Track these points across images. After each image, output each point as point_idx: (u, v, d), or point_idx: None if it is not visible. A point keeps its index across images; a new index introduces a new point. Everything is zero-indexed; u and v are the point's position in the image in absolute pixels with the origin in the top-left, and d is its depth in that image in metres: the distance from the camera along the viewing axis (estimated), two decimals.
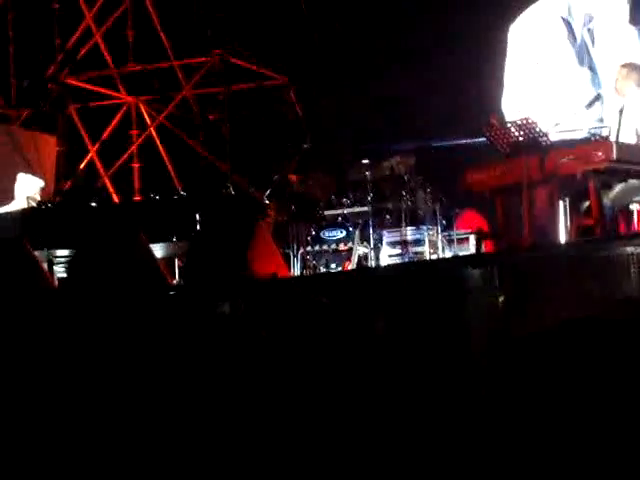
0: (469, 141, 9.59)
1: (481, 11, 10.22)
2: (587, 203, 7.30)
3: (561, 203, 7.36)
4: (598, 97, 8.51)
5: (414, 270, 7.02)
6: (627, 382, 5.30)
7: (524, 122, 7.40)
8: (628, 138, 7.42)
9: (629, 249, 6.06)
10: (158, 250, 8.12)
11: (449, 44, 10.38)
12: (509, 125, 7.49)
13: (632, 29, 9.49)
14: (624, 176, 7.29)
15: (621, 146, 7.21)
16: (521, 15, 10.06)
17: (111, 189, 11.82)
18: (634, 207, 7.42)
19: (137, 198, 11.21)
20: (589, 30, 9.79)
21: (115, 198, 11.55)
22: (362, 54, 10.87)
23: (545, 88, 9.78)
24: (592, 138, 8.03)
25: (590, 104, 8.24)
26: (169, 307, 6.59)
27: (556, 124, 8.07)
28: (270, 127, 11.30)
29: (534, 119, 7.40)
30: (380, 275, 7.23)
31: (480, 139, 8.12)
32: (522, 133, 7.40)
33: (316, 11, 11.07)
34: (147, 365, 6.33)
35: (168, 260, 8.65)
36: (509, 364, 5.62)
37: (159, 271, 7.22)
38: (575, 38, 9.83)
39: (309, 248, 9.12)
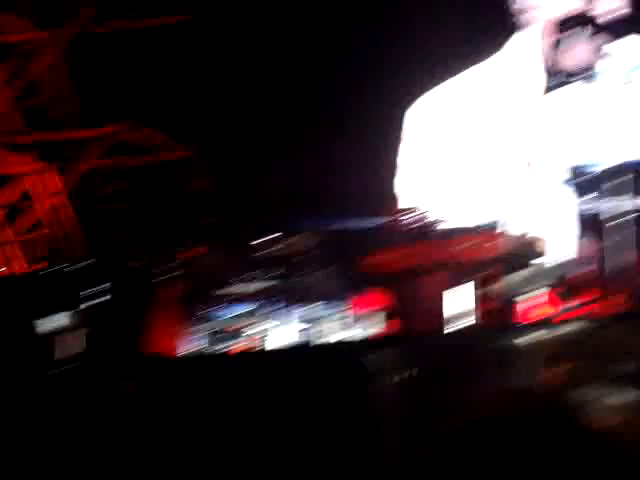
0: (374, 222, 9.66)
1: (377, 92, 10.37)
2: (489, 289, 7.41)
3: (462, 289, 7.46)
4: (498, 184, 8.66)
5: (315, 353, 7.05)
6: None
7: (428, 206, 7.53)
8: (531, 226, 7.56)
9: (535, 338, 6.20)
10: (55, 321, 7.99)
11: (353, 123, 10.52)
12: (411, 210, 7.60)
13: (539, 116, 9.75)
14: (526, 263, 7.44)
15: (523, 233, 7.36)
16: (419, 99, 10.24)
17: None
18: (536, 293, 7.55)
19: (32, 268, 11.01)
20: (489, 116, 10.02)
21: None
22: (271, 130, 10.95)
23: (444, 173, 9.96)
24: (492, 226, 8.18)
25: (491, 190, 8.37)
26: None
27: (452, 211, 8.18)
28: (177, 199, 11.28)
29: (438, 203, 7.54)
30: (282, 357, 7.23)
31: (385, 220, 8.19)
32: (426, 217, 7.53)
33: (227, 87, 11.12)
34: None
35: (68, 330, 8.51)
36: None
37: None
38: (474, 124, 10.03)
39: (211, 324, 9.06)
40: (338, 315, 9.01)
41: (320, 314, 9.04)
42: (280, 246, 9.23)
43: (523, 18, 9.91)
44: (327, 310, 9.04)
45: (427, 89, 10.23)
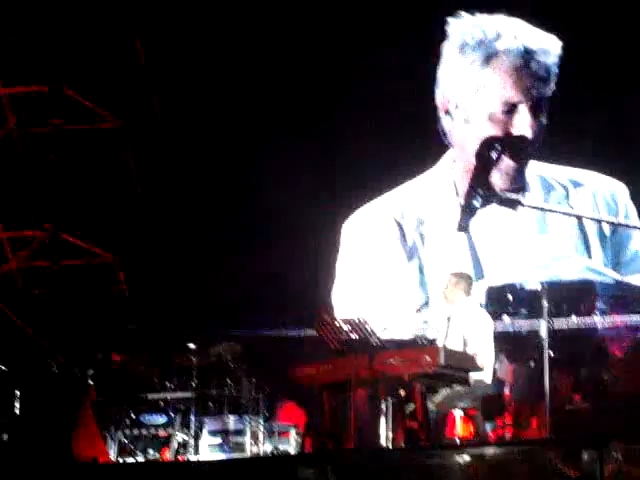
0: (297, 332, 9.70)
1: (313, 205, 10.52)
2: (413, 406, 7.43)
3: (386, 404, 7.46)
4: (427, 302, 8.79)
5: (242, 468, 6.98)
6: None
7: (355, 320, 7.54)
8: (455, 344, 7.65)
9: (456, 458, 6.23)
10: None
11: (281, 235, 10.61)
12: (341, 322, 7.61)
13: (462, 236, 9.95)
14: (450, 381, 7.51)
15: (448, 352, 7.42)
16: (355, 213, 10.41)
17: None
18: (457, 412, 7.59)
19: None
20: (420, 234, 10.21)
21: None
22: (192, 241, 10.97)
23: (376, 287, 10.09)
24: (420, 342, 8.27)
25: (420, 308, 8.50)
26: None
27: (385, 328, 8.27)
28: (96, 304, 11.13)
29: (365, 318, 7.55)
30: (198, 469, 7.12)
31: (309, 331, 8.22)
32: (353, 331, 7.53)
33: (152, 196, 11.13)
34: None
35: None
36: None
37: None
38: (406, 240, 10.22)
39: (128, 431, 8.89)
40: (256, 427, 8.94)
41: (238, 426, 8.97)
42: (201, 355, 9.16)
43: (448, 140, 10.21)
44: (245, 422, 8.97)
45: (362, 203, 10.42)
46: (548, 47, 9.83)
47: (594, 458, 5.88)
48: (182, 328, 10.11)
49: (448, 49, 10.05)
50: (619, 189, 10.03)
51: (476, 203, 9.36)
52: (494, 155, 9.79)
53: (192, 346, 9.21)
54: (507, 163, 9.82)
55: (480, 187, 9.34)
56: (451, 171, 10.21)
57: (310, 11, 10.89)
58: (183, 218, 11.02)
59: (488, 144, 9.77)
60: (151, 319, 10.67)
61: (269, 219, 10.65)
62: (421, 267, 10.05)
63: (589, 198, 9.99)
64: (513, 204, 9.25)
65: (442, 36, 10.13)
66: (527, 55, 9.81)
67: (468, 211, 9.51)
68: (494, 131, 9.87)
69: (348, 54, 10.75)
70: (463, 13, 9.97)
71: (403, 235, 10.19)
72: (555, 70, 9.85)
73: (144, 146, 11.16)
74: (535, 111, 9.81)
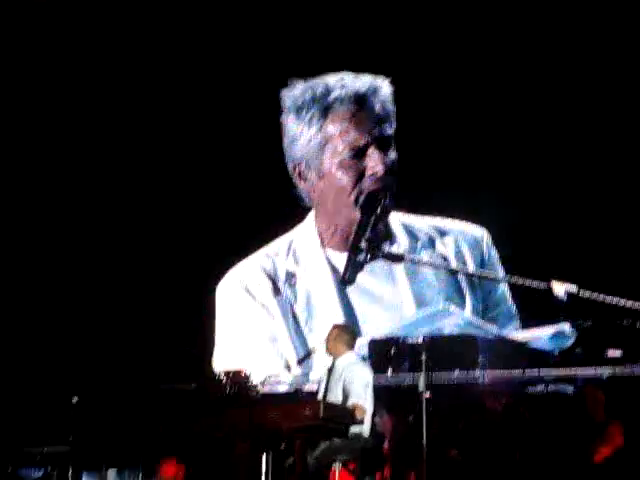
0: (179, 387, 9.64)
1: (183, 273, 10.59)
2: (292, 459, 7.45)
3: (266, 458, 7.47)
4: (309, 352, 8.81)
5: None
6: None
7: (236, 373, 7.57)
8: (335, 397, 7.68)
9: None
10: None
11: (154, 303, 10.67)
12: (221, 375, 7.62)
13: (333, 290, 10.07)
14: (329, 435, 7.54)
15: (328, 405, 7.46)
16: (228, 273, 10.46)
17: None
18: (337, 465, 7.62)
19: None
20: (292, 287, 10.28)
21: None
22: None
23: (254, 343, 10.11)
24: (300, 395, 8.29)
25: (301, 359, 8.53)
26: None
27: (266, 378, 8.28)
28: None
29: (245, 371, 7.58)
30: None
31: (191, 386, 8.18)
32: (233, 384, 7.55)
33: None
34: None
35: None
36: None
37: None
38: (280, 294, 10.28)
39: None
40: None
41: None
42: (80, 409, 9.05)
43: (309, 202, 10.37)
44: (124, 477, 8.86)
45: (234, 263, 10.49)
46: (377, 86, 10.09)
47: None
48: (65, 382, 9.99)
49: (285, 118, 10.25)
50: (481, 235, 10.28)
51: (361, 257, 9.56)
52: (378, 209, 9.98)
53: (74, 400, 9.11)
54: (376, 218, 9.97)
55: (364, 242, 9.55)
56: (316, 226, 10.36)
57: None
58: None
59: (372, 198, 9.94)
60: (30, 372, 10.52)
61: (142, 290, 10.73)
62: (297, 320, 10.12)
63: (453, 246, 10.22)
64: (396, 259, 9.51)
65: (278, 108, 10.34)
66: (359, 98, 10.03)
67: (353, 265, 9.70)
68: (348, 178, 10.03)
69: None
70: (294, 81, 10.20)
71: (276, 289, 10.26)
72: (391, 108, 10.10)
73: None
74: (382, 148, 10.01)
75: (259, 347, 10.04)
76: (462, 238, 10.32)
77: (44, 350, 10.66)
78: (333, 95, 10.12)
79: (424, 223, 10.41)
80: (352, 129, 10.05)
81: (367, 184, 10.00)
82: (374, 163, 9.98)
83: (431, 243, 10.31)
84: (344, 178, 10.06)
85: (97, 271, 10.90)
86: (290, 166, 10.35)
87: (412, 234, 10.31)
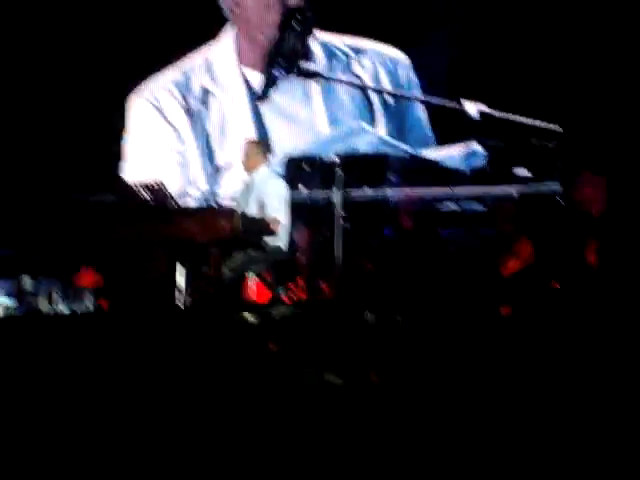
0: (95, 198, 9.66)
1: (96, 82, 10.41)
2: (208, 270, 7.57)
3: (181, 267, 7.58)
4: (218, 169, 8.86)
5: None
6: None
7: (153, 184, 7.58)
8: (252, 210, 7.78)
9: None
10: None
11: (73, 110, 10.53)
12: (138, 185, 7.63)
13: (247, 106, 10.07)
14: (245, 246, 7.67)
15: (245, 217, 7.56)
16: (140, 86, 10.34)
17: None
18: (252, 277, 7.78)
19: None
20: (205, 104, 10.26)
21: None
22: None
23: (168, 158, 10.12)
24: (217, 207, 8.38)
25: (210, 176, 8.57)
26: None
27: (180, 195, 8.33)
28: None
29: (163, 182, 7.59)
30: None
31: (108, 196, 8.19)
32: (150, 194, 7.57)
33: None
34: None
35: None
36: None
37: None
38: (192, 109, 10.26)
39: None
40: (50, 290, 8.92)
41: (32, 288, 8.93)
42: None
43: (231, 15, 10.24)
44: (38, 285, 8.93)
45: (144, 77, 10.37)
46: None
47: (377, 320, 6.26)
48: None
49: None
50: (401, 59, 10.30)
51: (276, 73, 9.55)
52: (296, 25, 9.92)
53: None
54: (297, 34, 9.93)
55: (282, 58, 9.53)
56: (234, 42, 10.25)
57: None
58: None
59: (291, 14, 9.87)
60: None
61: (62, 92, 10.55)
62: (208, 138, 10.13)
63: (370, 67, 10.24)
64: (311, 75, 9.52)
65: None
66: None
67: (269, 81, 9.70)
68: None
69: None
70: None
71: (188, 105, 10.24)
72: None
73: None
74: None
75: (166, 163, 10.05)
76: (380, 60, 10.33)
77: None
78: None
79: (342, 42, 10.38)
80: None
81: (292, 1, 9.93)
82: None
83: (348, 63, 10.31)
84: None
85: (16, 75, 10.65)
86: None
87: (330, 52, 10.29)
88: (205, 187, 9.75)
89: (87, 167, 10.11)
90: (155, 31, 10.34)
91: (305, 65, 9.65)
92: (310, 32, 10.03)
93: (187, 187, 9.61)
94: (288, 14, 9.82)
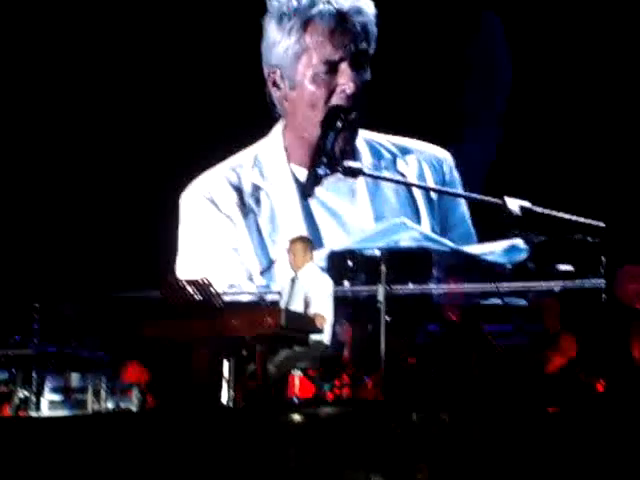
0: (142, 294, 9.78)
1: (147, 178, 10.64)
2: (253, 366, 7.61)
3: (227, 364, 7.63)
4: (271, 264, 8.97)
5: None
6: None
7: (199, 282, 7.66)
8: (297, 306, 7.86)
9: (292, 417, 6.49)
10: None
11: (124, 206, 10.75)
12: (185, 283, 7.72)
13: (297, 203, 10.23)
14: (290, 343, 7.72)
15: (289, 314, 7.62)
16: (193, 182, 10.58)
17: None
18: (297, 373, 7.81)
19: None
20: (257, 200, 10.45)
21: None
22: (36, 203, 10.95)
23: (218, 253, 10.28)
24: (262, 304, 8.46)
25: (264, 270, 8.68)
26: None
27: (230, 286, 8.41)
28: None
29: (209, 280, 7.68)
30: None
31: (153, 293, 8.30)
32: (196, 292, 7.66)
33: None
34: None
35: None
36: None
37: None
38: (244, 205, 10.45)
39: None
40: (98, 385, 8.99)
41: (80, 384, 9.00)
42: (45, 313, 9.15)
43: (278, 111, 10.46)
44: (85, 380, 9.00)
45: (198, 173, 10.63)
46: (361, 6, 10.31)
47: (423, 420, 6.22)
48: (27, 287, 10.07)
49: (268, 22, 10.46)
50: (445, 158, 10.44)
51: (321, 171, 9.71)
52: (339, 124, 10.09)
53: (36, 305, 9.21)
54: (344, 133, 10.13)
55: (326, 156, 9.69)
56: (283, 140, 10.49)
57: None
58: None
59: (333, 113, 10.06)
60: None
61: (109, 191, 10.79)
62: (261, 232, 10.30)
63: (415, 165, 10.38)
64: (355, 173, 9.65)
65: (263, 11, 10.52)
66: (340, 16, 10.28)
67: (313, 179, 9.85)
68: (319, 92, 10.24)
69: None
70: None
71: (241, 201, 10.45)
72: (372, 29, 10.32)
73: None
74: (355, 66, 10.25)
75: (222, 257, 10.23)
76: (424, 158, 10.49)
77: (8, 256, 10.69)
78: (316, 9, 10.25)
79: (387, 141, 10.57)
80: (328, 44, 10.24)
81: (336, 100, 10.16)
82: (345, 80, 10.16)
83: (393, 161, 10.47)
84: (316, 92, 10.23)
85: (64, 182, 10.89)
86: (265, 71, 10.53)
87: (376, 150, 10.47)
88: (260, 282, 9.87)
89: (133, 264, 10.28)
90: (206, 129, 10.59)
91: (349, 164, 9.78)
92: (354, 131, 10.21)
93: (239, 280, 9.70)
94: (332, 114, 10.01)
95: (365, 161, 10.34)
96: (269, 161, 10.51)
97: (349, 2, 10.26)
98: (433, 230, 10.20)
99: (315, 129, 10.15)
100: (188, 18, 10.79)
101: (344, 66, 10.16)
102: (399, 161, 10.43)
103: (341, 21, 10.21)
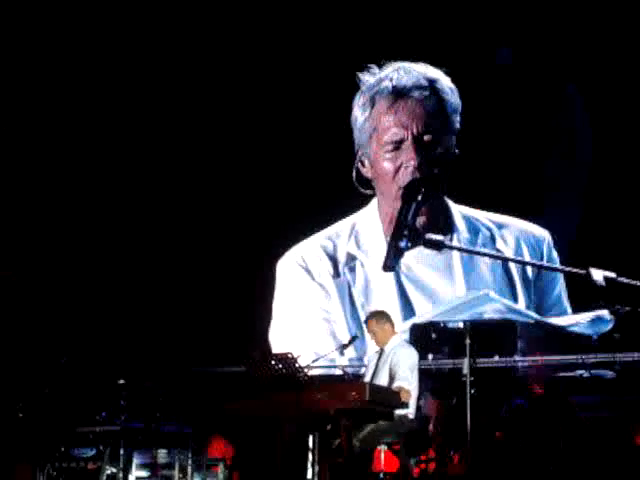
0: (229, 369, 9.86)
1: (245, 246, 10.78)
2: (338, 441, 7.58)
3: (312, 439, 7.61)
4: (356, 337, 8.97)
5: None
6: None
7: (285, 356, 7.68)
8: (382, 380, 7.85)
9: None
10: None
11: (217, 276, 10.87)
12: (270, 358, 7.75)
13: (391, 275, 10.26)
14: (375, 417, 7.68)
15: (374, 388, 7.61)
16: (289, 251, 10.71)
17: None
18: (382, 447, 7.76)
19: None
20: (351, 270, 10.54)
21: None
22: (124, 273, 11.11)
23: (310, 323, 10.37)
24: (346, 377, 8.45)
25: (349, 343, 8.67)
26: None
27: (315, 360, 8.40)
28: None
29: (294, 354, 7.69)
30: None
31: (240, 368, 8.34)
32: (281, 367, 7.68)
33: None
34: None
35: None
36: None
37: None
38: (339, 275, 10.55)
39: (57, 464, 8.92)
40: (184, 461, 9.03)
41: (167, 460, 9.04)
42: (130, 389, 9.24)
43: (375, 184, 10.58)
44: (174, 456, 9.04)
45: (295, 241, 10.79)
46: (425, 82, 10.39)
47: None
48: (112, 364, 10.20)
49: (355, 101, 10.63)
50: (542, 235, 10.38)
51: (402, 244, 9.71)
52: (419, 197, 10.12)
53: (122, 381, 9.31)
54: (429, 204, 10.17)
55: (405, 228, 9.70)
56: (379, 211, 10.59)
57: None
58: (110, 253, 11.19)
59: (411, 186, 10.13)
60: (82, 354, 10.70)
61: (205, 259, 10.95)
62: (354, 303, 10.39)
63: (513, 242, 10.35)
64: (437, 245, 9.62)
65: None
66: (397, 94, 10.38)
67: (394, 251, 9.84)
68: (388, 168, 10.41)
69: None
70: (374, 66, 10.47)
71: (336, 271, 10.55)
72: (441, 104, 10.37)
73: None
74: (419, 144, 10.29)
75: (312, 326, 10.33)
76: (523, 236, 10.47)
77: (96, 334, 10.84)
78: (380, 86, 10.41)
79: (485, 218, 10.60)
80: (392, 123, 10.38)
81: (402, 176, 10.29)
82: (407, 158, 10.29)
83: (491, 238, 10.46)
84: (385, 168, 10.40)
85: (153, 258, 11.05)
86: (356, 147, 10.73)
87: (473, 227, 10.48)
88: (348, 351, 9.89)
89: (217, 340, 10.37)
90: (304, 200, 10.75)
91: (430, 236, 9.75)
92: (424, 204, 10.22)
93: (328, 350, 9.68)
94: (407, 187, 10.11)
95: (462, 236, 10.36)
96: (366, 232, 10.63)
97: (413, 79, 10.37)
98: (529, 309, 10.11)
99: (394, 200, 10.24)
100: (303, 88, 10.94)
101: (406, 144, 10.31)
102: (497, 238, 10.42)
103: (396, 99, 10.34)
